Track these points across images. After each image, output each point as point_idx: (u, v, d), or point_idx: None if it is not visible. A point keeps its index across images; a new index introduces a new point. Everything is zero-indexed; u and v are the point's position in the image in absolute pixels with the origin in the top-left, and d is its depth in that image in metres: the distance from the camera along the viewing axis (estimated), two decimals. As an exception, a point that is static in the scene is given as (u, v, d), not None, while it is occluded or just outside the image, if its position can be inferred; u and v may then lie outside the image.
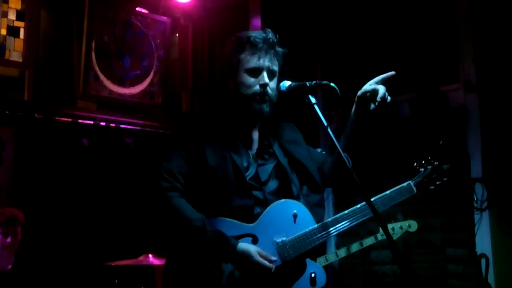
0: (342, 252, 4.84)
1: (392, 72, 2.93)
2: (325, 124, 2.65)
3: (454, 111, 5.81)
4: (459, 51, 5.85)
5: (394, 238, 4.48)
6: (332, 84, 2.73)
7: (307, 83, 2.79)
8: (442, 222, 5.80)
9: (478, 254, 5.47)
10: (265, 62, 2.90)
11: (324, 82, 2.76)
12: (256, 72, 2.90)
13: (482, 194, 5.49)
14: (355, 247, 4.83)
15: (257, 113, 2.91)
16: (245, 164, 2.89)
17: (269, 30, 2.96)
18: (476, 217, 5.54)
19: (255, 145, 2.99)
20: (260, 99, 2.89)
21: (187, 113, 2.80)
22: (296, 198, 2.90)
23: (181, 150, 2.87)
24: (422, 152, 5.58)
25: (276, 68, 2.95)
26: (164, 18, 6.63)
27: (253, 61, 2.90)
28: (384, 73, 2.96)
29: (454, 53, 5.88)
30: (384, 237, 4.70)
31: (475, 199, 5.52)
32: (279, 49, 2.96)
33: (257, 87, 2.88)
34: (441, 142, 4.95)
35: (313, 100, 2.74)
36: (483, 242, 5.51)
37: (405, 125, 6.11)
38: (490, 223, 5.51)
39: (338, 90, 2.70)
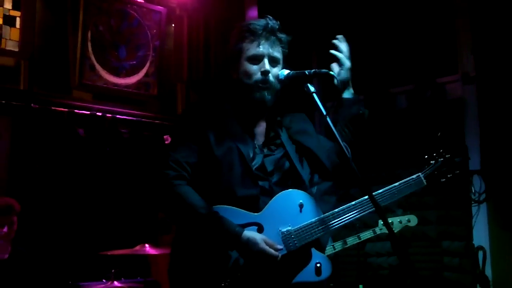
0: (339, 245, 4.83)
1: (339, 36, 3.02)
2: (324, 113, 2.63)
3: (452, 103, 5.79)
4: (458, 43, 5.83)
5: None
6: (332, 73, 2.72)
7: (306, 72, 2.78)
8: (438, 215, 5.79)
9: (475, 246, 5.46)
10: (265, 48, 2.89)
11: (323, 70, 2.75)
12: (257, 59, 2.89)
13: (480, 187, 5.47)
14: (352, 240, 4.81)
15: (259, 102, 2.90)
16: (251, 154, 2.88)
17: (270, 17, 2.95)
18: (474, 209, 5.52)
19: (262, 136, 2.98)
20: (261, 87, 2.87)
21: (194, 104, 2.82)
22: (305, 187, 2.89)
23: (188, 140, 2.86)
24: (419, 144, 5.61)
25: (278, 55, 2.94)
26: (160, 7, 6.59)
27: (253, 48, 2.89)
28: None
29: (452, 45, 5.86)
30: (382, 231, 4.71)
31: (473, 192, 5.51)
32: (281, 35, 2.95)
33: (259, 74, 2.87)
34: (439, 134, 4.94)
35: (312, 88, 2.72)
36: (481, 234, 5.50)
37: (402, 117, 6.09)
38: (487, 215, 5.49)
39: (337, 79, 2.68)
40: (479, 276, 5.31)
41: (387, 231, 2.54)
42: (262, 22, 2.92)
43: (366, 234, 4.80)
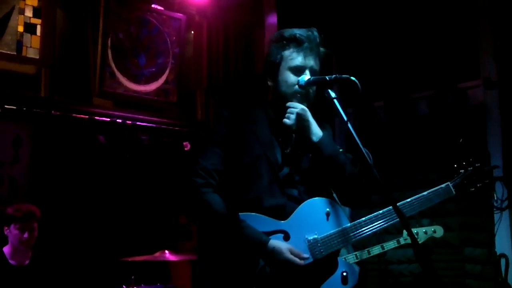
0: (363, 254, 4.78)
1: None
2: (345, 119, 2.61)
3: (473, 108, 5.74)
4: (479, 48, 5.77)
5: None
6: (353, 78, 2.67)
7: (327, 77, 2.76)
8: (460, 222, 5.73)
9: (497, 254, 5.39)
10: (309, 61, 2.87)
11: (344, 76, 2.72)
12: (299, 70, 2.87)
13: (503, 193, 5.39)
14: (376, 250, 4.77)
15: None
16: (280, 162, 2.86)
17: (315, 29, 2.93)
18: (496, 216, 5.45)
19: (291, 143, 2.95)
20: (300, 98, 2.86)
21: (224, 110, 2.81)
22: (333, 195, 2.89)
23: (217, 147, 2.86)
24: (441, 150, 5.56)
25: (318, 68, 2.92)
26: (179, 15, 6.62)
27: (298, 60, 2.87)
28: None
29: (474, 50, 5.81)
30: (407, 241, 4.66)
31: (495, 198, 5.44)
32: (322, 49, 2.93)
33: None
34: (461, 141, 4.89)
35: (332, 94, 2.70)
36: (503, 242, 5.43)
37: (424, 122, 6.04)
38: (510, 222, 5.43)
39: (358, 84, 2.65)
40: (501, 284, 5.24)
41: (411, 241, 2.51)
42: (307, 33, 2.89)
43: (390, 244, 4.75)
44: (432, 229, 4.74)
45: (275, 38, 2.96)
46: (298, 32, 2.89)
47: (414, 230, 4.63)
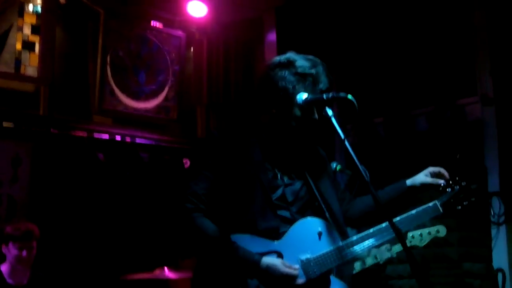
0: (357, 266, 4.77)
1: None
2: (343, 137, 2.62)
3: (471, 124, 5.76)
4: (476, 65, 5.80)
5: (423, 244, 4.48)
6: (350, 97, 2.67)
7: (324, 96, 2.74)
8: (459, 237, 5.73)
9: (495, 268, 5.40)
10: None
11: (342, 94, 2.72)
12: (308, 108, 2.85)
13: (500, 208, 5.41)
14: (370, 260, 4.76)
15: (299, 141, 2.93)
16: (273, 184, 2.86)
17: (322, 62, 2.90)
18: (493, 231, 5.47)
19: (284, 165, 2.95)
20: (304, 130, 2.87)
21: (214, 132, 2.78)
22: (325, 216, 2.89)
23: (207, 170, 2.85)
24: (439, 166, 5.56)
25: None
26: (179, 32, 6.65)
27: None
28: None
29: (471, 67, 5.83)
30: (399, 250, 4.65)
31: (492, 213, 5.46)
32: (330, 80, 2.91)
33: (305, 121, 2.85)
34: (458, 156, 4.90)
35: (330, 113, 2.70)
36: (500, 256, 5.44)
37: (422, 138, 6.06)
38: (507, 237, 5.43)
39: (355, 103, 2.66)
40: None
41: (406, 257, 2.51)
42: (317, 69, 2.85)
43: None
44: (436, 229, 4.67)
45: (284, 65, 2.88)
46: (313, 70, 2.83)
47: (418, 232, 4.54)
